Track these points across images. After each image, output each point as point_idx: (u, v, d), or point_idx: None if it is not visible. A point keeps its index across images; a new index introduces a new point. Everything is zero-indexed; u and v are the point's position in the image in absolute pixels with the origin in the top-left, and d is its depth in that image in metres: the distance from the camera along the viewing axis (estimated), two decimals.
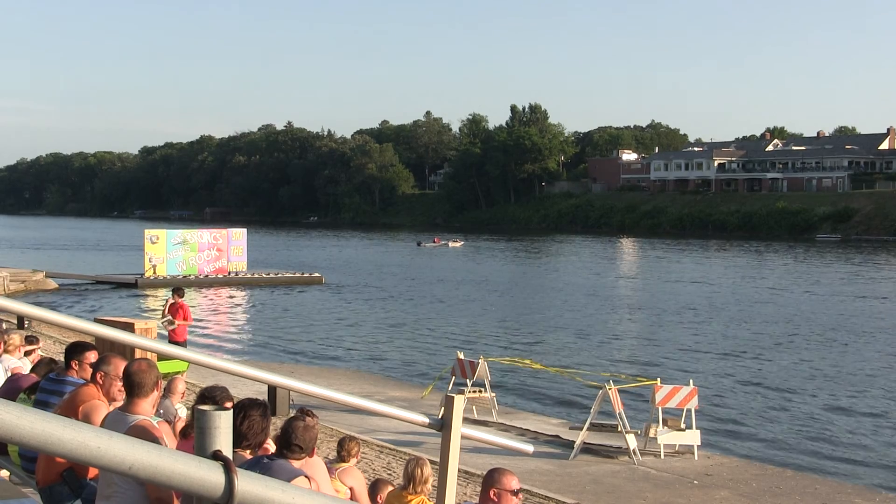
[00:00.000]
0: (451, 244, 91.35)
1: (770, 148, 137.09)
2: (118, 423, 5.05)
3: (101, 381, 6.16)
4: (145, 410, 5.22)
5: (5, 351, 10.05)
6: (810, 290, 49.63)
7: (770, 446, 18.45)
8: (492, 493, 5.97)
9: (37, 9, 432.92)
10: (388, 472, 12.97)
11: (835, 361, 28.00)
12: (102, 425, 5.24)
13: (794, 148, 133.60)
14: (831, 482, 15.88)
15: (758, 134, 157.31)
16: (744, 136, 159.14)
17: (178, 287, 22.78)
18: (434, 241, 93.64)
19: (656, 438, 16.14)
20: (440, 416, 4.16)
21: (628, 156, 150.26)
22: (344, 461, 8.21)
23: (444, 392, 17.84)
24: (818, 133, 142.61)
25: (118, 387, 6.02)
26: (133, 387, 5.24)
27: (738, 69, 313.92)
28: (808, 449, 18.35)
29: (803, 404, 22.30)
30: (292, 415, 6.60)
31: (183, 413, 9.73)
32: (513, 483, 5.99)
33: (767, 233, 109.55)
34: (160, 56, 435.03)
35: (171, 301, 20.82)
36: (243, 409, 5.28)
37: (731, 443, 18.50)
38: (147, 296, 45.28)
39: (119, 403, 5.76)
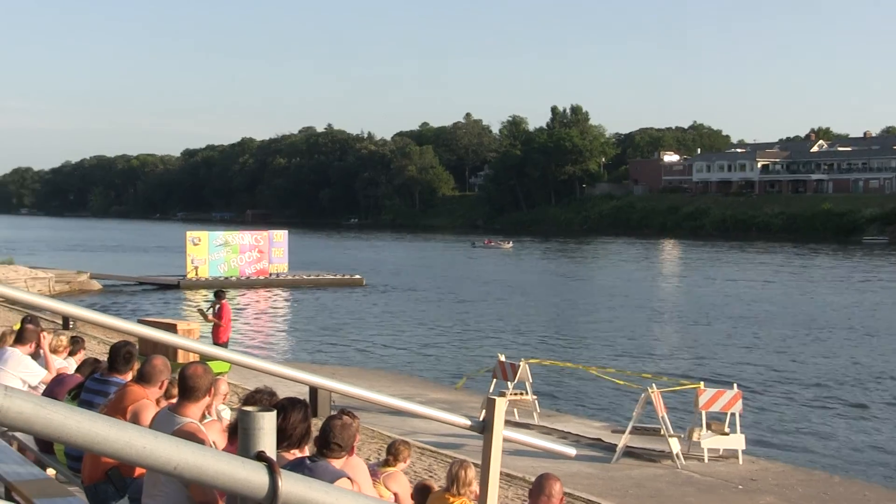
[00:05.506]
0: (503, 245, 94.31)
1: (815, 149, 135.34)
2: (167, 423, 5.09)
3: (163, 387, 6.30)
4: (194, 414, 5.26)
5: (53, 351, 10.17)
6: (859, 292, 48.87)
7: (817, 451, 18.17)
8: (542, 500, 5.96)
9: (89, 12, 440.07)
10: (430, 473, 12.95)
11: (883, 365, 27.51)
12: (152, 424, 5.29)
13: (840, 149, 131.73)
14: (880, 489, 15.60)
15: (802, 135, 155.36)
16: (788, 137, 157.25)
17: (219, 290, 22.98)
18: (485, 242, 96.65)
19: (700, 442, 15.95)
20: (482, 419, 4.13)
21: (670, 157, 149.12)
22: (390, 465, 8.04)
23: (483, 393, 17.80)
24: (865, 133, 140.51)
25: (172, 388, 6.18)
26: (186, 390, 5.29)
27: (782, 69, 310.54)
28: (857, 455, 18.03)
29: (851, 409, 21.94)
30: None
31: (226, 414, 9.75)
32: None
33: (812, 235, 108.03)
34: (203, 59, 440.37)
35: (216, 304, 21.12)
36: (283, 410, 5.27)
37: (777, 447, 18.24)
38: (189, 297, 45.74)
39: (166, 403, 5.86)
